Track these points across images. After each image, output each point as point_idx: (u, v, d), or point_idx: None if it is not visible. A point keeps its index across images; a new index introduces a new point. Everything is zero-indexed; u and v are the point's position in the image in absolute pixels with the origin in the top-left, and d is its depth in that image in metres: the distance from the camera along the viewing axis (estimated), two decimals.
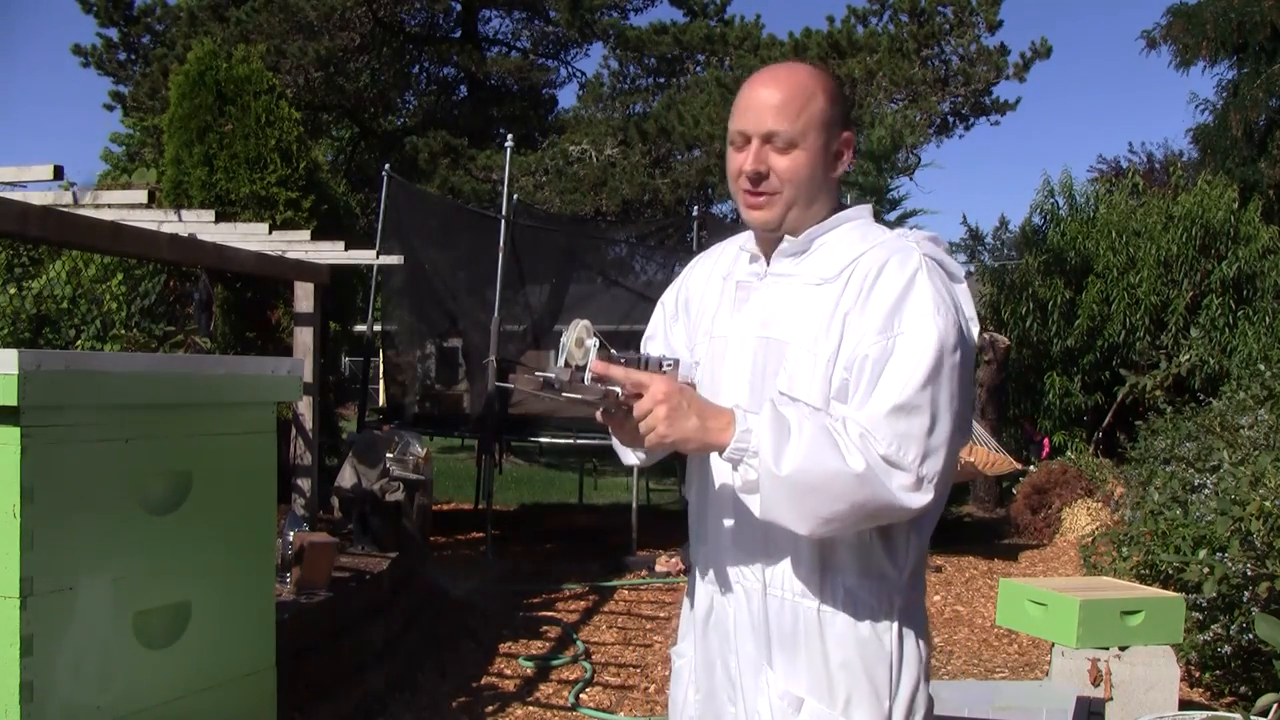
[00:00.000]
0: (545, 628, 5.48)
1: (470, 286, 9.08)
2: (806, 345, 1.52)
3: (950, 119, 13.10)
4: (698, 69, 14.03)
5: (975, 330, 1.54)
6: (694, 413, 1.46)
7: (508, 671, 4.75)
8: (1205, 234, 10.56)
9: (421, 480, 5.41)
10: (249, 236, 4.95)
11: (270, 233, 4.98)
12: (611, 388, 1.48)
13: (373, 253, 5.90)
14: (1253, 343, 9.98)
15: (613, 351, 1.52)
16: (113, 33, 12.90)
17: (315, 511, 5.38)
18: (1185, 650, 4.09)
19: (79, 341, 5.48)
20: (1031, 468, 9.38)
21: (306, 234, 5.16)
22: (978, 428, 7.79)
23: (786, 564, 1.55)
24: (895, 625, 1.55)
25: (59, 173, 3.57)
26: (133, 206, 4.40)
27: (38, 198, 4.10)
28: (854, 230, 1.61)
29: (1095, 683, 3.46)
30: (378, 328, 8.94)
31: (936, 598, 6.33)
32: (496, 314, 7.79)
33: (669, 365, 1.54)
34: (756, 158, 1.57)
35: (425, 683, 4.51)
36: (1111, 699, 3.44)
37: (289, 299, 5.70)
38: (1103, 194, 12.13)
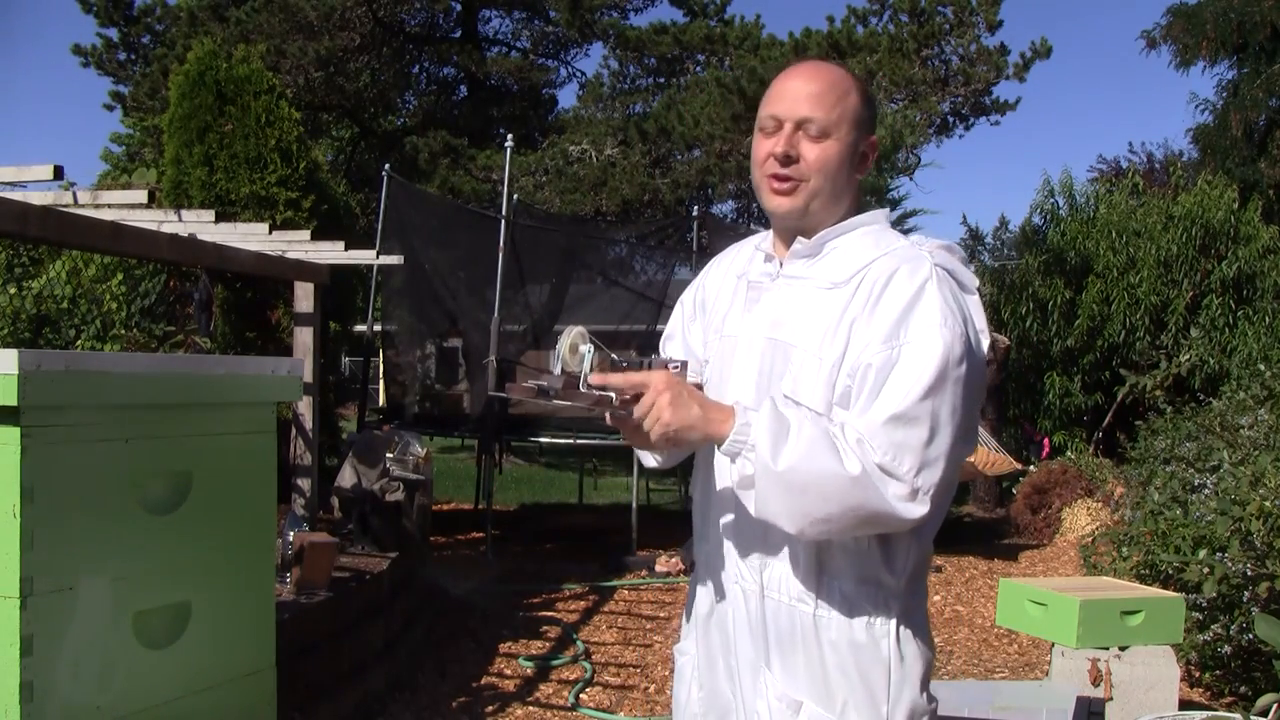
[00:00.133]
0: (545, 628, 5.48)
1: (470, 286, 9.07)
2: (812, 349, 1.52)
3: (950, 119, 13.11)
4: (698, 69, 14.04)
5: (986, 342, 1.53)
6: (695, 403, 1.47)
7: (508, 671, 4.75)
8: (1205, 234, 10.56)
9: (421, 480, 5.41)
10: (249, 236, 4.95)
11: (270, 233, 4.98)
12: (606, 393, 1.48)
13: (373, 253, 5.90)
14: (1253, 343, 9.99)
15: (614, 356, 1.52)
16: (113, 33, 12.91)
17: (315, 511, 5.38)
18: (1185, 650, 4.09)
19: (79, 341, 5.48)
20: (1031, 468, 9.38)
21: (306, 234, 5.16)
22: (978, 428, 7.79)
23: (784, 567, 1.55)
24: (893, 630, 1.54)
25: (59, 173, 3.57)
26: (133, 206, 4.40)
27: (38, 198, 4.10)
28: (868, 235, 1.60)
29: (1095, 683, 3.46)
30: (378, 328, 8.94)
31: (936, 598, 6.33)
32: (496, 314, 7.79)
33: (675, 367, 1.54)
34: (788, 141, 1.57)
35: (425, 683, 4.51)
36: (1111, 699, 3.44)
37: (289, 299, 5.70)
38: (1103, 194, 12.14)
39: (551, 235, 9.91)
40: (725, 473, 1.61)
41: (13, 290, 5.45)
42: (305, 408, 5.43)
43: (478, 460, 8.39)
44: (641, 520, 7.70)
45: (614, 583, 6.63)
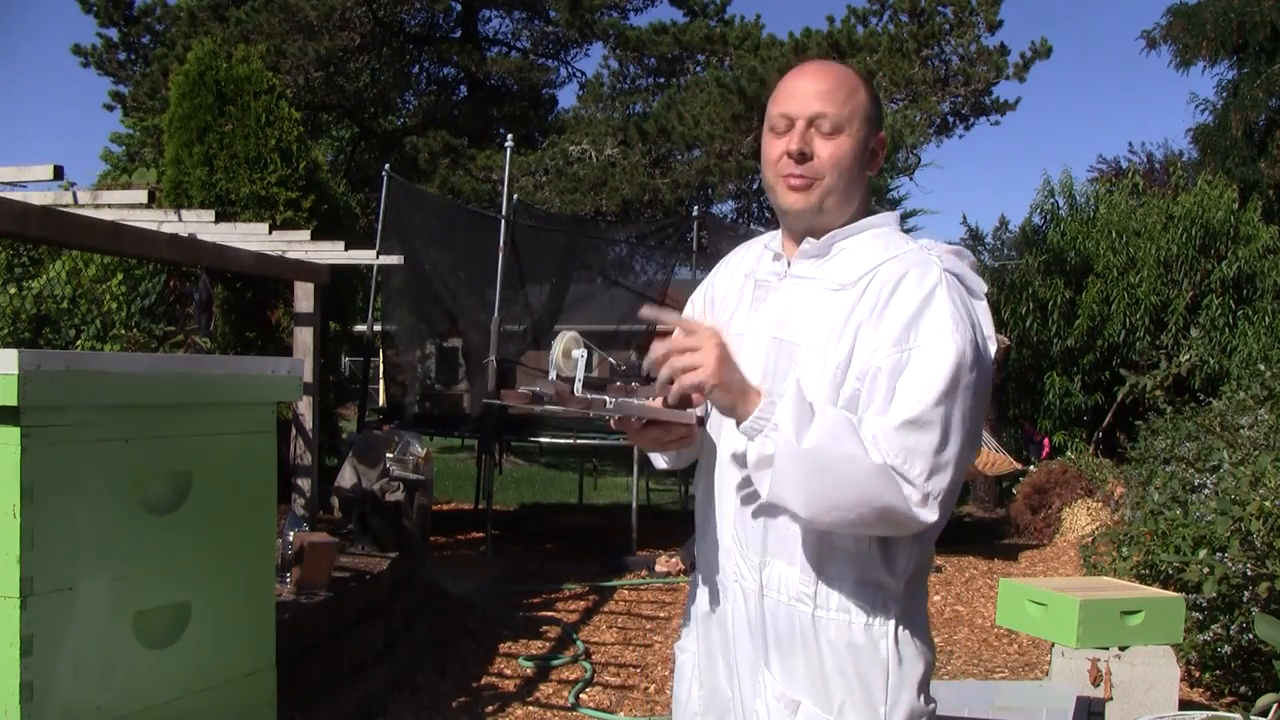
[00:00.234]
0: (545, 628, 5.48)
1: (470, 286, 9.08)
2: (817, 350, 1.52)
3: (950, 119, 13.10)
4: (698, 69, 14.04)
5: (993, 349, 1.53)
6: (738, 371, 1.46)
7: (508, 671, 4.75)
8: (1205, 234, 10.56)
9: (421, 480, 5.41)
10: (249, 236, 4.95)
11: (270, 233, 4.98)
12: (598, 396, 1.47)
13: (373, 253, 5.90)
14: (1253, 343, 9.99)
15: (612, 361, 1.52)
16: (113, 33, 12.91)
17: (315, 511, 5.38)
18: (1185, 650, 4.09)
19: (79, 341, 5.48)
20: (1031, 468, 9.38)
21: (306, 234, 5.16)
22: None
23: (783, 567, 1.55)
24: (891, 632, 1.53)
25: (59, 173, 3.57)
26: (133, 206, 4.40)
27: (38, 198, 4.10)
28: (877, 238, 1.60)
29: (1095, 683, 3.46)
30: (378, 328, 8.94)
31: (936, 598, 6.33)
32: (496, 314, 7.80)
33: None
34: (801, 138, 1.56)
35: (425, 683, 4.51)
36: (1111, 699, 3.44)
37: (289, 299, 5.70)
38: (1103, 194, 12.14)
39: (551, 235, 9.91)
40: (729, 470, 1.61)
41: (13, 290, 5.44)
42: (305, 408, 5.43)
43: (478, 460, 8.39)
44: (641, 520, 7.70)
45: (614, 583, 6.63)
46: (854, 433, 1.41)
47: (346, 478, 5.24)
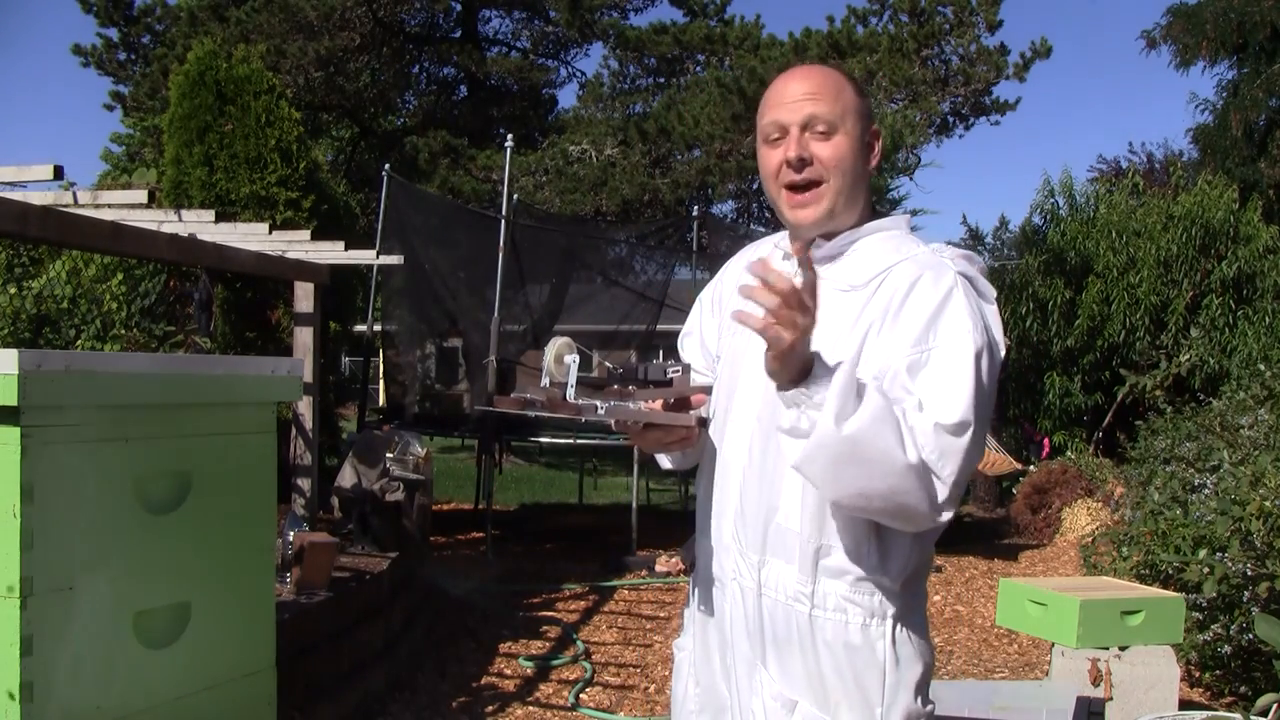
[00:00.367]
0: (545, 628, 5.48)
1: (470, 286, 9.08)
2: (825, 349, 1.52)
3: (950, 119, 13.10)
4: (698, 69, 14.04)
5: (1002, 353, 1.53)
6: (809, 348, 1.38)
7: (508, 671, 4.75)
8: (1205, 234, 10.56)
9: (421, 480, 5.41)
10: (249, 236, 4.96)
11: (270, 233, 4.99)
12: (589, 402, 1.47)
13: (373, 253, 5.91)
14: (1253, 343, 9.98)
15: (609, 365, 1.52)
16: (113, 33, 12.90)
17: (315, 511, 5.38)
18: (1185, 650, 4.09)
19: (79, 341, 5.48)
20: (1031, 468, 9.38)
21: (306, 234, 5.16)
22: None
23: (781, 566, 1.55)
24: (889, 633, 1.53)
25: (59, 173, 3.57)
26: (133, 206, 4.40)
27: (38, 198, 4.11)
28: (888, 240, 1.60)
29: (1095, 683, 3.46)
30: (378, 328, 8.94)
31: (936, 598, 6.33)
32: (496, 314, 7.80)
33: (677, 370, 1.54)
34: (798, 144, 1.55)
35: (425, 683, 4.51)
36: (1111, 699, 3.44)
37: (289, 299, 5.70)
38: (1103, 194, 12.13)
39: (551, 235, 9.91)
40: (731, 469, 1.61)
41: (13, 290, 5.44)
42: (305, 408, 5.43)
43: (478, 460, 8.39)
44: (641, 520, 7.70)
45: (614, 583, 6.63)
46: (895, 426, 1.39)
47: (346, 478, 5.24)
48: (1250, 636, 3.80)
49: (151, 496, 2.00)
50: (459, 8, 14.76)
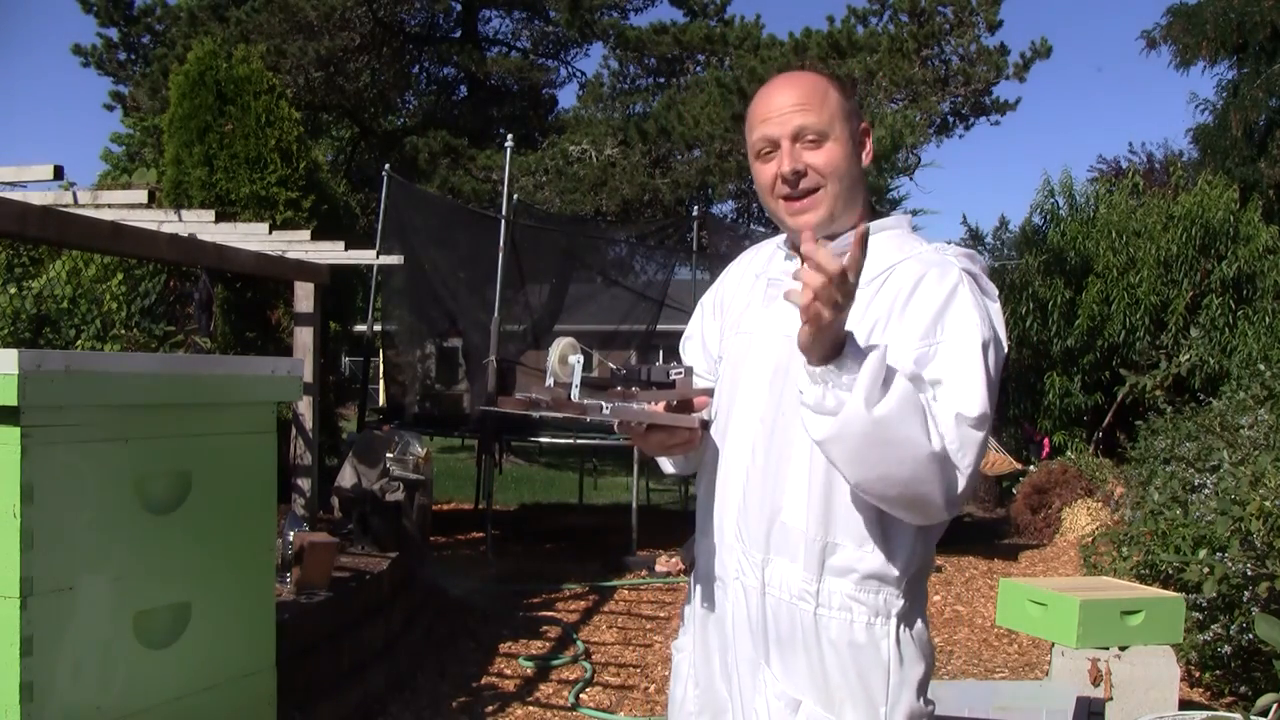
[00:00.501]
0: (545, 628, 5.48)
1: (470, 286, 9.08)
2: None
3: (950, 119, 13.10)
4: (698, 69, 14.04)
5: (1005, 349, 1.54)
6: (840, 325, 1.36)
7: (508, 671, 4.75)
8: (1205, 234, 10.55)
9: (421, 480, 5.42)
10: (249, 236, 4.96)
11: (270, 233, 4.99)
12: (594, 402, 1.47)
13: (373, 253, 5.91)
14: (1253, 343, 9.98)
15: (612, 366, 1.52)
16: (113, 33, 12.91)
17: (315, 511, 5.38)
18: (1185, 650, 4.09)
19: (79, 341, 5.47)
20: (1031, 468, 9.38)
21: (306, 234, 5.16)
22: None
23: (786, 564, 1.55)
24: (893, 632, 1.54)
25: (59, 173, 3.57)
26: (133, 206, 4.40)
27: (38, 198, 4.11)
28: (891, 239, 1.61)
29: (1095, 683, 3.46)
30: (378, 328, 8.94)
31: (936, 598, 6.33)
32: (496, 314, 7.80)
33: (679, 372, 1.54)
34: (792, 157, 1.56)
35: (425, 683, 4.51)
36: (1111, 699, 3.44)
37: (289, 299, 5.70)
38: (1103, 194, 12.12)
39: (551, 235, 9.91)
40: (733, 469, 1.61)
41: (13, 290, 5.44)
42: (305, 408, 5.43)
43: (478, 460, 8.39)
44: (641, 520, 7.70)
45: (614, 583, 6.63)
46: (922, 414, 1.40)
47: (346, 478, 5.24)
48: (1250, 636, 3.80)
49: (151, 496, 2.00)
50: (459, 8, 14.77)
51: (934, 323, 1.47)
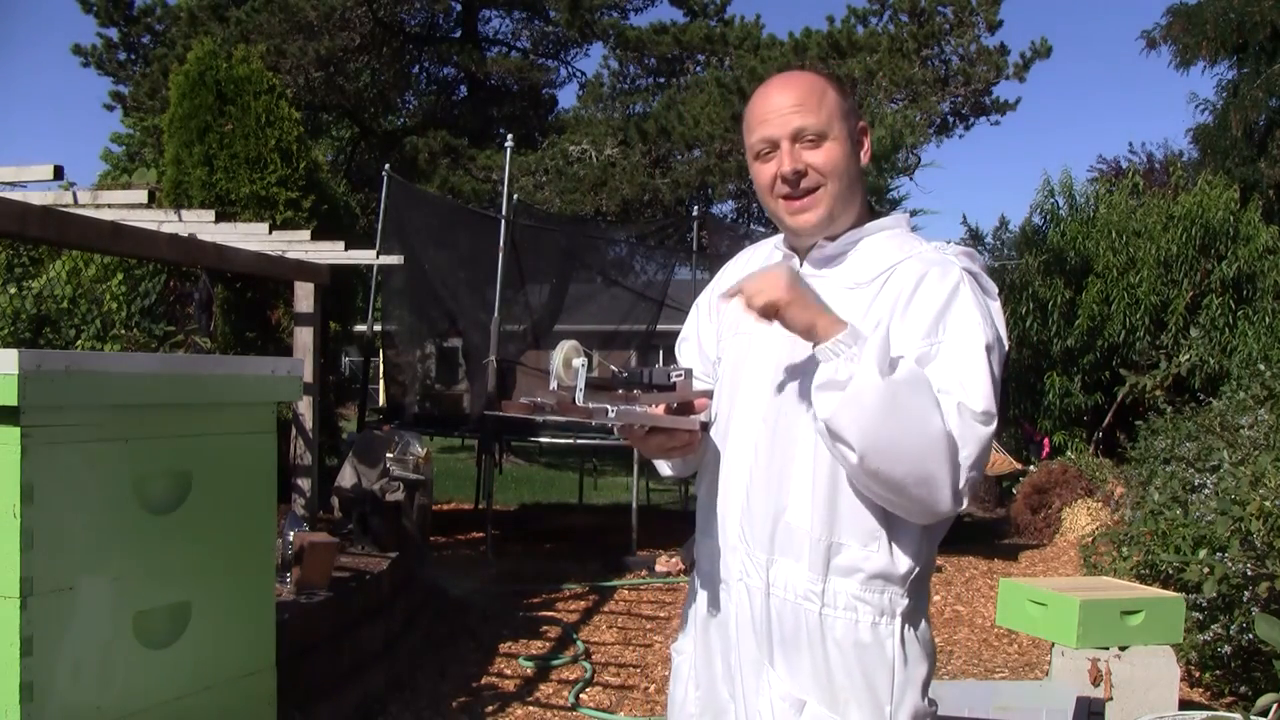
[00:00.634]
0: (545, 628, 5.48)
1: (470, 286, 9.07)
2: None
3: (950, 119, 13.11)
4: (698, 69, 14.05)
5: (1006, 348, 1.55)
6: (807, 294, 1.46)
7: (508, 671, 4.75)
8: (1205, 234, 10.55)
9: (421, 480, 5.42)
10: (249, 236, 4.96)
11: (270, 233, 4.99)
12: (599, 405, 1.47)
13: (373, 253, 5.91)
14: (1253, 343, 9.97)
15: (614, 369, 1.52)
16: (113, 33, 12.92)
17: (315, 511, 5.38)
18: (1185, 650, 4.09)
19: (79, 341, 5.48)
20: (1031, 468, 9.38)
21: (306, 234, 5.16)
22: None
23: (791, 564, 1.55)
24: (898, 632, 1.54)
25: (59, 173, 3.57)
26: (133, 206, 4.40)
27: (38, 198, 4.11)
28: (891, 239, 1.61)
29: (1095, 683, 3.46)
30: (378, 328, 8.94)
31: (936, 598, 6.33)
32: (496, 314, 7.80)
33: (679, 374, 1.54)
34: (792, 158, 1.56)
35: (425, 683, 4.51)
36: (1111, 699, 3.44)
37: (289, 299, 5.70)
38: (1103, 194, 12.12)
39: (551, 235, 9.91)
40: (736, 468, 1.61)
41: (13, 290, 5.44)
42: (305, 408, 5.43)
43: (478, 460, 8.39)
44: (641, 520, 7.70)
45: (614, 583, 6.62)
46: (932, 393, 1.42)
47: (346, 478, 5.24)
48: (1250, 636, 3.80)
49: (151, 496, 2.00)
50: (459, 8, 14.78)
51: (936, 322, 1.48)
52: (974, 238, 12.61)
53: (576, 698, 4.36)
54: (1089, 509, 8.39)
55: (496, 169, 11.42)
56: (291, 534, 4.05)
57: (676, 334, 1.90)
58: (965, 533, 8.44)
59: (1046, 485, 8.82)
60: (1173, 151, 17.64)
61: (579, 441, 8.30)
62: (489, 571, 6.81)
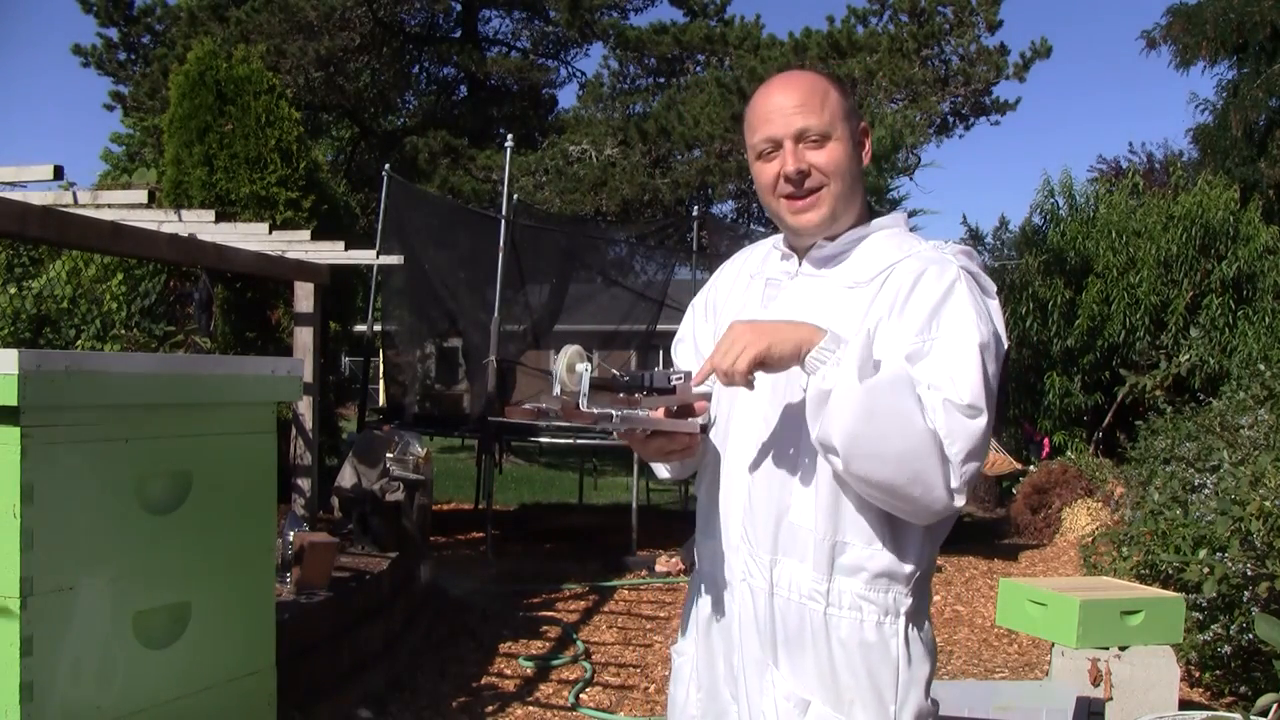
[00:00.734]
0: (545, 628, 5.48)
1: (470, 286, 9.08)
2: None
3: (950, 119, 13.12)
4: (698, 69, 14.06)
5: (1005, 346, 1.54)
6: (772, 322, 1.47)
7: (508, 671, 4.75)
8: (1205, 234, 10.55)
9: (421, 480, 5.41)
10: (249, 236, 4.96)
11: (270, 233, 4.99)
12: (604, 411, 1.47)
13: (373, 253, 5.91)
14: (1253, 343, 9.98)
15: (615, 372, 1.52)
16: (113, 33, 12.92)
17: (315, 511, 5.38)
18: (1185, 650, 4.09)
19: (79, 341, 5.48)
20: (1031, 468, 9.38)
21: (306, 234, 5.16)
22: None
23: (795, 564, 1.55)
24: (902, 631, 1.54)
25: (59, 173, 3.57)
26: (133, 206, 4.40)
27: (38, 198, 4.11)
28: (890, 238, 1.61)
29: (1095, 683, 3.46)
30: (378, 328, 8.94)
31: (936, 598, 6.33)
32: (496, 314, 7.80)
33: (678, 378, 1.54)
34: (795, 158, 1.56)
35: (425, 683, 4.51)
36: (1111, 699, 3.44)
37: (289, 299, 5.70)
38: (1103, 194, 12.12)
39: (551, 235, 9.91)
40: (736, 468, 1.61)
41: (13, 290, 5.45)
42: (305, 408, 5.43)
43: (478, 460, 8.39)
44: (641, 520, 7.70)
45: (614, 583, 6.62)
46: (914, 392, 1.41)
47: (346, 478, 5.24)
48: (1250, 636, 3.80)
49: (151, 496, 2.00)
50: (459, 8, 14.79)
51: (930, 319, 1.48)
52: (974, 238, 12.61)
53: (576, 698, 4.36)
54: (1089, 509, 8.39)
55: (496, 169, 11.42)
56: (291, 534, 4.05)
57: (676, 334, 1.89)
58: (965, 533, 8.44)
59: (1046, 485, 8.82)
60: (1173, 151, 17.65)
61: (579, 442, 8.30)
62: (489, 571, 6.81)
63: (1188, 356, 10.09)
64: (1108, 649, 3.46)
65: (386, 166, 8.87)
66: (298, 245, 5.16)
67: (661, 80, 14.78)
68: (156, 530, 2.01)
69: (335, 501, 5.44)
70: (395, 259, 5.90)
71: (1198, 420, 6.36)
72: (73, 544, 1.85)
